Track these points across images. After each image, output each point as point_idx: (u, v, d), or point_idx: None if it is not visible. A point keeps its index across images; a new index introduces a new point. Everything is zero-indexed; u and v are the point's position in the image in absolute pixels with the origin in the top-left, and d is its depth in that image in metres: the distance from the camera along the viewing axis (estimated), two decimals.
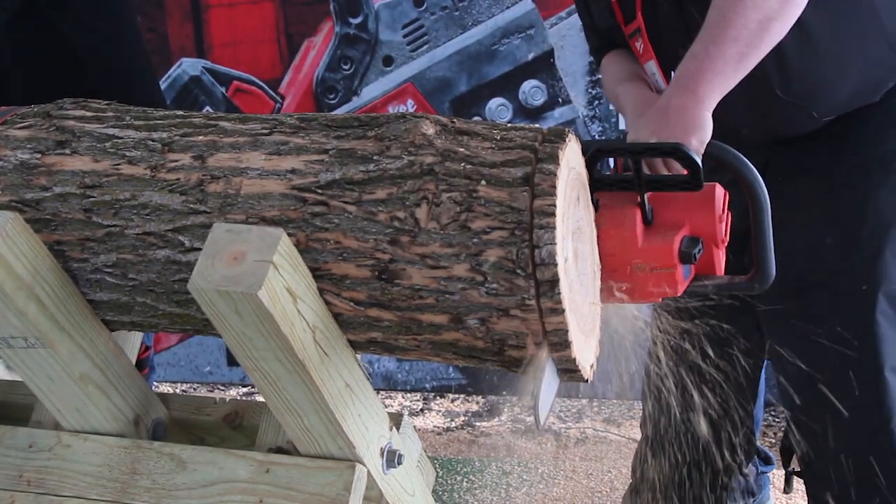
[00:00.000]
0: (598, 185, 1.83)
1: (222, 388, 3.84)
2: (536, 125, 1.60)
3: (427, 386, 3.77)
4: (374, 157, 1.53)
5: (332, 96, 3.68)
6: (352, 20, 3.64)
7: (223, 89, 3.77)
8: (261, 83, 3.75)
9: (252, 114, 1.76)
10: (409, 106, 3.63)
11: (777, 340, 2.30)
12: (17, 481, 1.79)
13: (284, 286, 1.46)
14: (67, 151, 1.68)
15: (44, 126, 1.72)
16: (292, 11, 3.69)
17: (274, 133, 1.61)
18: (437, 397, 3.79)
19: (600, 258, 1.75)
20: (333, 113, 3.24)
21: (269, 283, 1.44)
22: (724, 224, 1.91)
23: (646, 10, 2.23)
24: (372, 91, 3.69)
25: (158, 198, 1.60)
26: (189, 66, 3.76)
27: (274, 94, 3.72)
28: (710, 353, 2.40)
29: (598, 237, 1.75)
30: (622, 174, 1.91)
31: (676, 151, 1.82)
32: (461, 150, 1.52)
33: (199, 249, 1.54)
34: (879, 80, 2.10)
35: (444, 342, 1.53)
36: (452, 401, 3.78)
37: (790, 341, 2.24)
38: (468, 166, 1.50)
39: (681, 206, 1.88)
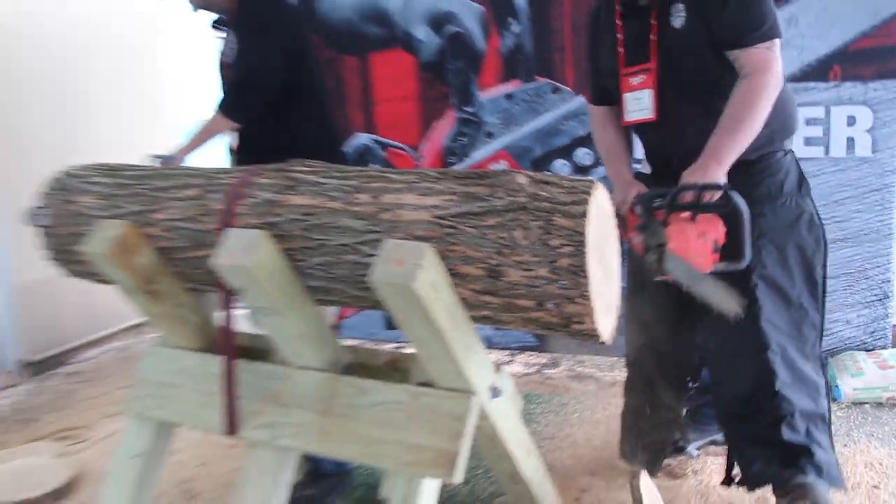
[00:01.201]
0: (672, 208, 1.92)
1: (382, 343, 3.86)
2: (590, 178, 1.60)
3: (513, 346, 3.77)
4: (486, 198, 1.54)
5: (452, 158, 3.69)
6: (466, 109, 3.65)
7: (384, 153, 3.79)
8: (408, 149, 3.77)
9: (405, 169, 1.78)
10: (503, 164, 3.62)
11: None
12: (264, 395, 1.85)
13: (429, 280, 1.48)
14: (294, 192, 1.71)
15: (279, 176, 1.77)
16: (428, 104, 3.72)
17: (422, 182, 1.62)
18: (519, 353, 3.78)
19: (678, 248, 1.87)
20: (455, 168, 3.27)
21: (420, 278, 1.46)
22: (724, 232, 1.95)
23: (660, 53, 2.08)
24: (478, 155, 3.68)
25: (349, 222, 1.62)
26: (362, 138, 3.80)
27: (416, 156, 3.74)
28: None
29: (673, 237, 1.87)
30: (682, 202, 1.94)
31: (721, 188, 1.91)
32: (543, 193, 1.52)
33: (374, 256, 1.58)
34: (754, 147, 2.03)
35: (531, 318, 1.53)
36: (529, 356, 3.77)
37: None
38: (548, 204, 1.50)
39: (706, 221, 1.93)
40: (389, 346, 3.84)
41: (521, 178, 1.55)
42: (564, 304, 1.49)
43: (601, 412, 3.06)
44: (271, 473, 1.82)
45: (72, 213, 2.01)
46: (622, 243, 1.70)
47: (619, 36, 2.14)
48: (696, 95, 2.06)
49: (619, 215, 1.84)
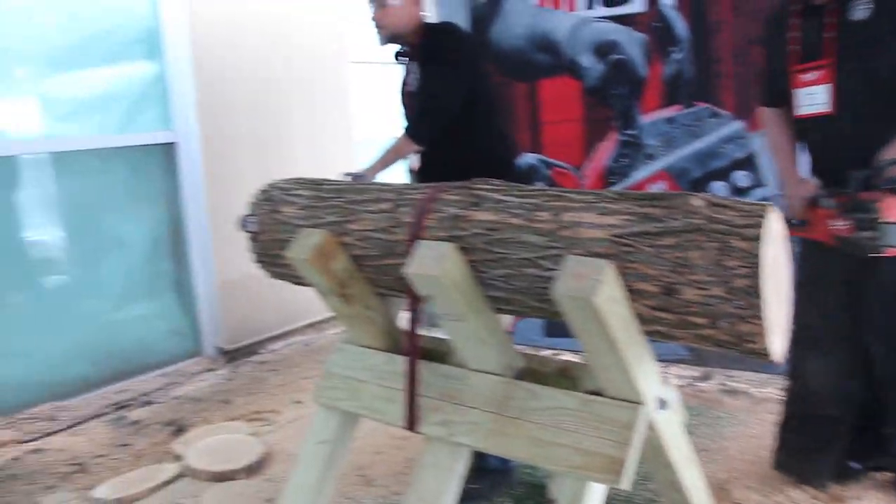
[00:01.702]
0: (882, 185, 1.84)
1: (541, 349, 3.83)
2: (764, 201, 1.53)
3: (666, 357, 3.68)
4: (663, 218, 1.50)
5: (614, 178, 3.63)
6: (628, 131, 3.59)
7: (549, 172, 3.78)
8: (571, 168, 3.74)
9: (585, 189, 1.77)
10: (663, 185, 3.54)
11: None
12: (442, 394, 1.87)
13: (608, 295, 1.46)
14: (478, 209, 1.73)
15: (464, 193, 1.79)
16: (592, 127, 3.68)
17: (600, 202, 1.60)
18: (672, 365, 3.68)
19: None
20: (616, 189, 3.21)
21: (600, 293, 1.44)
22: None
23: (838, 49, 2.01)
24: (638, 175, 3.61)
25: (530, 238, 1.62)
26: (530, 158, 3.81)
27: (579, 175, 3.70)
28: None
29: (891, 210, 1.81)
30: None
31: None
32: (719, 216, 1.47)
33: (554, 270, 1.57)
34: None
35: (703, 336, 1.48)
36: (681, 368, 3.66)
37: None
38: (724, 226, 1.45)
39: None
40: (547, 352, 3.81)
41: (697, 201, 1.51)
42: (738, 323, 1.43)
43: (755, 427, 2.92)
44: (446, 467, 1.84)
45: (276, 222, 2.11)
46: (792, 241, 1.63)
47: (794, 34, 2.09)
48: (881, 85, 1.95)
49: (790, 211, 1.76)
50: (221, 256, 4.14)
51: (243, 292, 4.26)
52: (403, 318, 1.98)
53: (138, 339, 3.93)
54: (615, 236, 1.52)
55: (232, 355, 4.23)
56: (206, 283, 4.14)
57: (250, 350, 4.32)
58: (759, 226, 1.42)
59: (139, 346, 3.93)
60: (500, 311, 1.76)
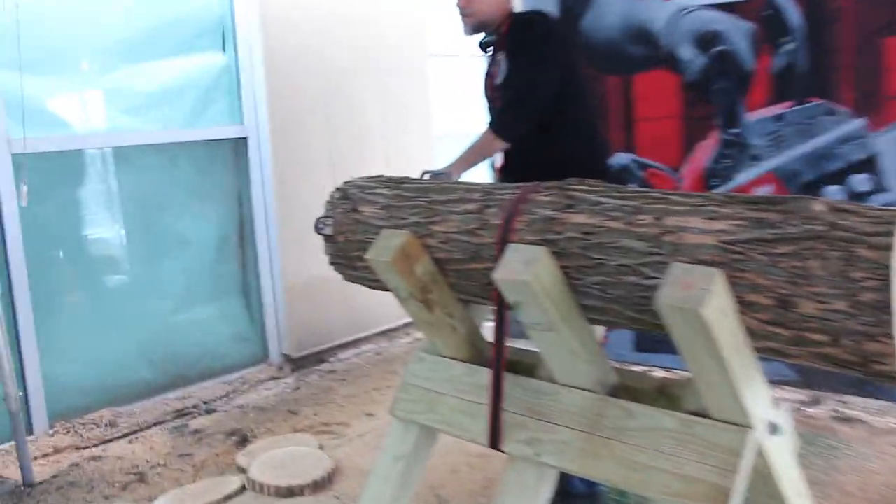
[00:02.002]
0: None
1: (629, 365, 3.79)
2: (892, 207, 1.49)
3: (771, 378, 3.59)
4: (779, 224, 1.47)
5: (715, 180, 3.58)
6: (731, 129, 3.53)
7: (642, 173, 3.74)
8: (668, 169, 3.69)
9: (691, 191, 1.75)
10: (770, 189, 3.46)
11: None
12: (528, 410, 1.88)
13: (718, 307, 1.44)
14: (573, 210, 1.73)
15: (558, 194, 1.79)
16: (690, 124, 3.64)
17: (708, 205, 1.58)
18: (777, 387, 3.59)
19: None
20: (715, 192, 3.16)
21: (709, 304, 1.42)
22: None
23: None
24: (742, 178, 3.54)
25: (630, 243, 1.61)
26: (622, 158, 3.78)
27: (676, 177, 3.66)
28: None
29: None
30: None
31: None
32: (844, 222, 1.44)
33: (656, 278, 1.55)
34: None
35: (822, 354, 1.45)
36: (788, 391, 3.56)
37: None
38: (849, 234, 1.42)
39: None
40: (638, 369, 3.77)
41: (818, 206, 1.48)
42: (864, 341, 1.39)
43: (876, 461, 2.83)
44: (531, 489, 1.84)
45: (355, 222, 2.15)
46: None
47: None
48: None
49: None
50: (289, 258, 4.23)
51: (311, 297, 4.34)
52: (488, 328, 1.99)
53: (201, 344, 4.03)
54: (724, 243, 1.50)
55: (298, 363, 4.31)
56: (273, 286, 4.24)
57: (318, 358, 4.40)
58: (890, 234, 1.39)
59: (201, 350, 4.04)
60: (593, 321, 1.76)
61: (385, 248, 1.96)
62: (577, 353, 1.77)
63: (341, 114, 4.47)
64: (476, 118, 2.94)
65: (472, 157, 2.57)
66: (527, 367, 1.96)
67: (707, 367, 1.52)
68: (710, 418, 1.63)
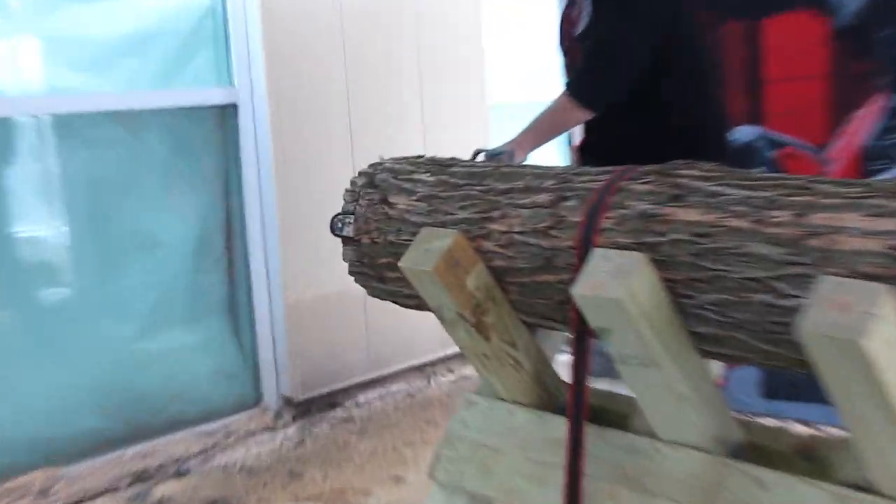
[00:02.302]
0: None
1: (749, 415, 3.75)
2: None
3: None
4: None
5: (878, 163, 3.53)
6: None
7: (773, 152, 3.72)
8: (810, 148, 3.66)
9: (845, 178, 1.74)
10: None
11: None
12: (617, 475, 1.87)
13: (884, 336, 1.43)
14: (680, 204, 1.72)
15: (660, 182, 1.79)
16: (843, 87, 3.61)
17: (871, 197, 1.56)
18: None
19: None
20: (879, 178, 3.13)
21: (872, 332, 1.41)
22: None
23: None
24: None
25: (760, 249, 1.60)
26: (745, 132, 3.75)
27: (822, 159, 3.63)
28: None
29: None
30: None
31: None
32: None
33: (796, 297, 1.54)
34: None
35: None
36: None
37: None
38: None
39: None
40: (770, 423, 3.74)
41: None
42: None
43: None
44: None
45: (384, 218, 2.17)
46: None
47: None
48: None
49: None
50: (292, 266, 4.25)
51: (322, 318, 4.37)
52: (563, 362, 1.99)
53: (171, 382, 4.06)
54: (895, 248, 1.49)
55: (303, 408, 4.34)
56: (270, 304, 4.27)
57: (329, 401, 4.43)
58: None
59: (172, 391, 4.06)
60: (708, 355, 1.76)
61: (425, 252, 1.97)
62: (687, 399, 1.76)
63: (365, 74, 4.50)
64: (546, 82, 2.94)
65: (542, 131, 2.58)
66: (617, 416, 1.96)
67: (870, 419, 1.50)
68: (874, 493, 1.62)
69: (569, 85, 2.60)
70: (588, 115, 2.58)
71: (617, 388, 1.94)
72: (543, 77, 2.95)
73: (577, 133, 2.79)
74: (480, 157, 2.47)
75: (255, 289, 4.25)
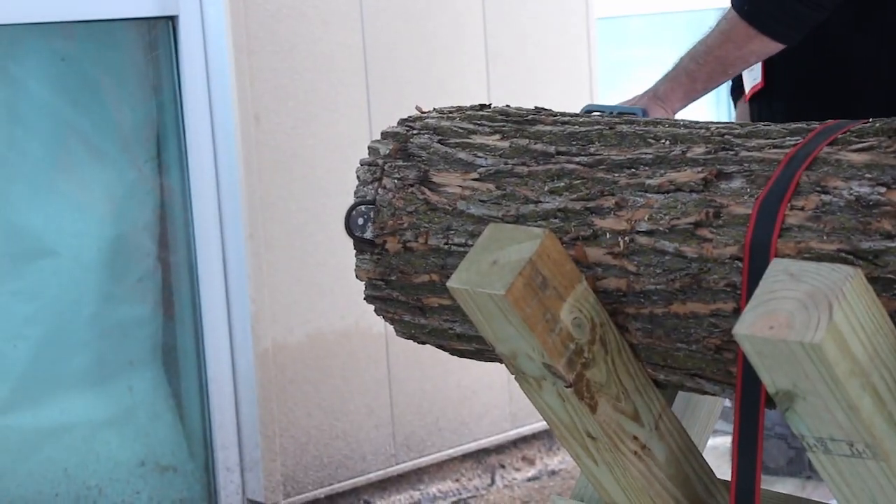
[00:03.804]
0: None
1: None
2: None
3: None
4: None
5: None
6: None
7: None
8: None
9: None
10: None
11: None
12: None
13: None
14: None
15: (890, 149, 1.78)
16: None
17: None
18: None
19: None
20: None
21: None
22: None
23: None
24: None
25: None
26: None
27: None
28: None
29: None
30: None
31: None
32: None
33: None
34: None
35: None
36: None
37: None
38: None
39: None
40: None
41: None
42: None
43: None
44: None
45: (423, 207, 2.18)
46: None
47: None
48: None
49: None
50: (269, 289, 4.26)
51: (317, 375, 4.39)
52: (719, 448, 1.98)
53: (64, 479, 4.09)
54: None
55: None
56: (232, 350, 4.29)
57: None
58: None
59: (67, 494, 4.09)
60: None
61: (493, 266, 1.96)
62: None
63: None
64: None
65: (697, 75, 2.62)
66: None
67: None
68: None
69: (739, 2, 2.60)
70: (775, 46, 2.58)
71: (811, 491, 1.92)
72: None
73: (753, 74, 2.77)
74: (596, 116, 2.46)
75: (208, 327, 4.27)
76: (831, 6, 2.54)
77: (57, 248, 4.04)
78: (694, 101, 2.62)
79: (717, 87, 2.68)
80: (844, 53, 2.67)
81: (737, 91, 3.00)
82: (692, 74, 2.60)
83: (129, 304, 4.21)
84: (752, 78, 2.79)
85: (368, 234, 2.22)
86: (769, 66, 2.73)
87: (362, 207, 2.22)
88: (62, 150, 4.06)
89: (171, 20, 4.15)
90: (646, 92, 2.61)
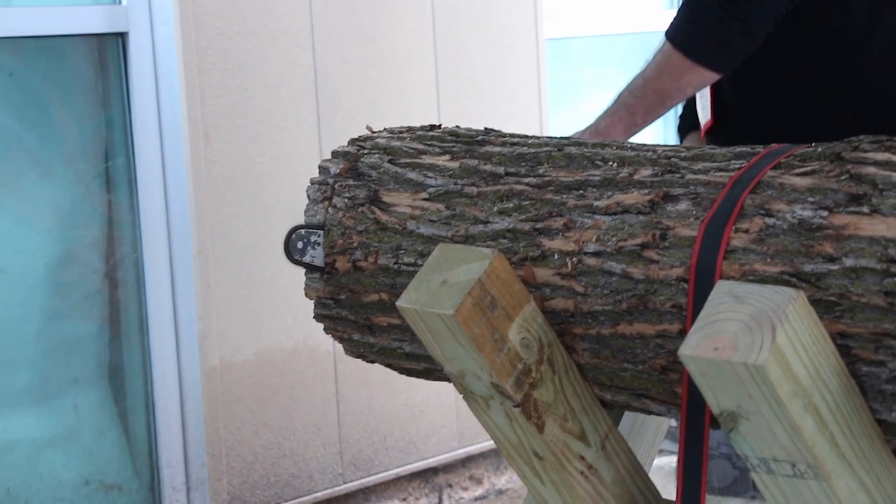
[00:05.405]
0: None
1: None
2: None
3: None
4: None
5: None
6: None
7: None
8: None
9: None
10: None
11: None
12: None
13: None
14: (865, 210, 1.73)
15: (832, 173, 1.80)
16: None
17: None
18: None
19: None
20: None
21: None
22: None
23: None
24: None
25: None
26: None
27: None
28: None
29: None
30: None
31: None
32: None
33: None
34: None
35: None
36: None
37: None
38: None
39: None
40: None
41: None
42: None
43: None
44: None
45: (373, 228, 2.19)
46: None
47: None
48: None
49: None
50: (217, 307, 4.25)
51: (266, 393, 4.37)
52: (662, 467, 2.00)
53: (10, 495, 4.04)
54: None
55: None
56: (179, 368, 4.26)
57: None
58: None
59: None
60: None
61: (442, 286, 1.97)
62: None
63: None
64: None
65: (636, 105, 2.64)
66: None
67: None
68: None
69: (673, 31, 2.63)
70: (710, 76, 2.62)
71: None
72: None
73: (699, 110, 2.81)
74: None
75: (155, 344, 4.26)
76: (763, 34, 2.56)
77: (1, 264, 4.01)
78: (635, 134, 2.64)
79: (656, 119, 2.70)
80: (790, 77, 2.68)
81: (684, 129, 3.02)
82: (631, 108, 2.62)
83: (75, 322, 4.18)
84: (704, 116, 2.81)
85: (307, 259, 2.23)
86: (718, 103, 2.75)
87: (302, 231, 2.23)
88: (8, 166, 4.03)
89: (121, 37, 4.12)
90: (587, 127, 2.63)
